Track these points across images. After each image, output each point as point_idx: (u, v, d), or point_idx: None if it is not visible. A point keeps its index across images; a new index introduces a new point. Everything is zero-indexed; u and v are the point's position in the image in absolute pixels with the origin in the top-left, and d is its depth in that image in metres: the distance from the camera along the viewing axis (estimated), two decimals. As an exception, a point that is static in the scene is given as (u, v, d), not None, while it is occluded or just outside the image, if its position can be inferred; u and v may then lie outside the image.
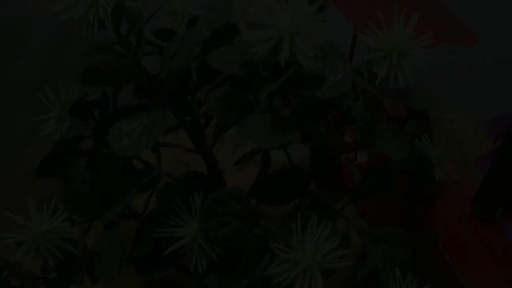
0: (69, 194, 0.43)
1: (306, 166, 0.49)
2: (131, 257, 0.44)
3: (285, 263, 0.36)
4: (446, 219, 0.58)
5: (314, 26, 0.36)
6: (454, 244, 0.55)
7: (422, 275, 0.45)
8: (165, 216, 0.42)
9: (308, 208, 0.39)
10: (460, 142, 0.87)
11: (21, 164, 0.64)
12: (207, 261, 0.42)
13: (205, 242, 0.40)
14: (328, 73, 0.40)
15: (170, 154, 0.87)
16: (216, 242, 0.39)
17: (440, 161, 0.56)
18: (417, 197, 0.60)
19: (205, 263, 0.42)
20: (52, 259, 0.40)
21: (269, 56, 0.36)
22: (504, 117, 0.57)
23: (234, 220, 0.40)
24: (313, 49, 0.36)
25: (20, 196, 0.42)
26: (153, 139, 0.37)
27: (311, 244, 0.36)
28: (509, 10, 0.80)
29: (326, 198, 0.41)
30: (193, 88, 0.46)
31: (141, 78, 0.41)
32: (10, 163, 0.64)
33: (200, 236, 0.40)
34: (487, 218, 0.57)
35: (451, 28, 0.55)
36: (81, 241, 0.42)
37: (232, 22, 0.43)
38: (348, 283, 0.46)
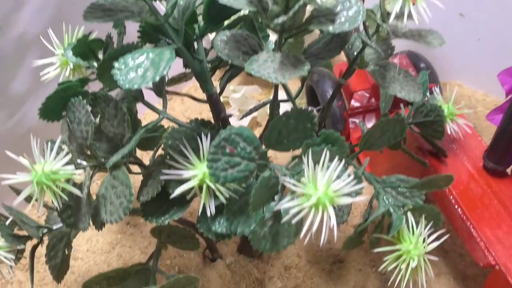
0: (73, 136, 0.42)
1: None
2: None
3: (297, 198, 0.35)
4: (457, 174, 0.57)
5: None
6: (466, 198, 0.54)
7: (435, 220, 0.44)
8: (173, 159, 0.41)
9: (319, 144, 0.38)
10: (470, 106, 0.85)
11: (24, 122, 0.64)
12: (215, 205, 0.41)
13: (214, 182, 0.39)
14: (340, 8, 0.39)
15: (177, 108, 0.87)
16: (224, 183, 0.38)
17: (451, 113, 0.55)
18: (429, 153, 0.59)
19: (214, 207, 0.41)
20: (56, 201, 0.39)
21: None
22: (517, 68, 0.55)
23: (243, 161, 0.39)
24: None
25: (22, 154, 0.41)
26: (160, 73, 0.36)
27: (323, 179, 0.35)
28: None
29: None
30: (200, 33, 0.45)
31: (148, 15, 0.39)
32: (13, 121, 0.63)
33: (209, 175, 0.39)
34: (499, 172, 0.56)
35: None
36: (86, 183, 0.41)
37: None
38: (359, 230, 0.45)
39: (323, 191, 0.34)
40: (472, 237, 0.52)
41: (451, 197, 0.54)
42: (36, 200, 0.39)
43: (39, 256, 0.64)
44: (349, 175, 0.36)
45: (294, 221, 0.35)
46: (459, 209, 0.54)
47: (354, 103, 0.75)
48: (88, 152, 0.43)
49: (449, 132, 0.55)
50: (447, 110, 0.55)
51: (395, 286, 0.42)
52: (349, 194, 0.36)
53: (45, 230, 0.48)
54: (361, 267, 0.65)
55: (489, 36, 0.83)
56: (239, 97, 0.78)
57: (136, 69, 0.37)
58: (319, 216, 0.34)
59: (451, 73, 0.89)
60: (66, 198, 0.39)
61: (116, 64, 0.37)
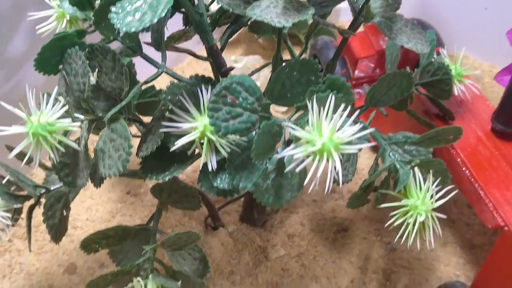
0: (71, 90, 0.41)
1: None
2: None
3: (301, 145, 0.34)
4: (465, 137, 0.55)
5: None
6: (474, 160, 0.53)
7: (443, 177, 0.43)
8: (173, 113, 0.40)
9: (324, 91, 0.37)
10: (477, 78, 0.84)
11: (21, 87, 0.62)
12: (217, 160, 0.40)
13: (215, 133, 0.38)
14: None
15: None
16: (226, 134, 0.37)
17: (458, 74, 0.54)
18: (436, 116, 0.57)
19: (215, 161, 0.40)
20: (53, 153, 0.38)
21: None
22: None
23: (245, 112, 0.37)
24: None
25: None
26: (158, 15, 0.35)
27: (328, 125, 0.33)
28: None
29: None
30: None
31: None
32: (10, 85, 0.61)
33: (210, 125, 0.37)
34: (507, 134, 0.54)
35: None
36: (83, 136, 0.39)
37: None
38: (364, 185, 0.44)
39: (328, 136, 0.33)
40: (480, 199, 0.50)
41: (459, 159, 0.53)
42: (32, 160, 0.38)
43: (37, 225, 0.63)
44: (354, 123, 0.34)
45: (298, 169, 0.34)
46: (467, 171, 0.52)
47: (359, 74, 0.73)
48: (86, 106, 0.42)
49: (456, 93, 0.53)
50: (455, 70, 0.53)
51: (401, 243, 0.41)
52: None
53: (42, 190, 0.46)
54: (366, 236, 0.64)
55: (496, 5, 0.81)
56: (240, 67, 0.77)
57: (134, 13, 0.36)
58: (323, 163, 0.33)
59: (458, 45, 0.87)
60: (63, 150, 0.38)
61: (113, 9, 0.36)
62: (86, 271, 0.59)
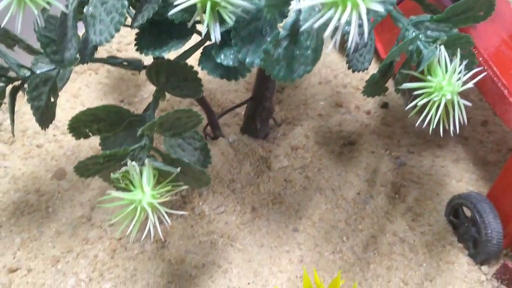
0: None
1: None
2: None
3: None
4: (488, 37, 0.51)
5: None
6: (498, 60, 0.49)
7: (470, 59, 0.39)
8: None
9: None
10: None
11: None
12: (221, 31, 0.35)
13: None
14: None
15: None
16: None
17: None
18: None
19: (219, 33, 0.35)
20: (38, 14, 0.33)
21: None
22: None
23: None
24: None
25: None
26: None
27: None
28: None
29: None
30: None
31: None
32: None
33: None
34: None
35: None
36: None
37: None
38: (382, 68, 0.40)
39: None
40: (504, 99, 0.47)
41: (481, 58, 0.49)
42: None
43: (24, 130, 0.59)
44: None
45: (316, 24, 0.29)
46: (490, 70, 0.48)
47: None
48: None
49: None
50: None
51: (424, 126, 0.37)
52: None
53: (28, 73, 0.42)
54: (374, 150, 0.61)
55: None
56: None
57: None
58: (346, 15, 0.29)
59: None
60: (49, 8, 0.33)
61: None
62: (76, 177, 0.55)
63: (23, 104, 0.62)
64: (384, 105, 0.66)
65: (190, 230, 0.52)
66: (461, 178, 0.59)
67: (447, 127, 0.37)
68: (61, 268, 0.49)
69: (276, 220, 0.54)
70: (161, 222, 0.36)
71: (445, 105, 0.37)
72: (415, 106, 0.37)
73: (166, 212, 0.36)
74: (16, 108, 0.62)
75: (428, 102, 0.37)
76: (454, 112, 0.37)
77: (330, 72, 0.70)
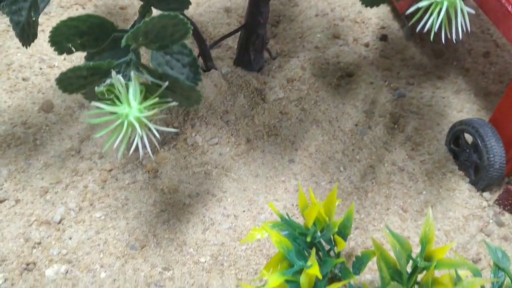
0: None
1: None
2: None
3: None
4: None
5: None
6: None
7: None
8: None
9: None
10: None
11: None
12: None
13: None
14: None
15: None
16: None
17: None
18: None
19: None
20: None
21: None
22: None
23: None
24: None
25: None
26: None
27: None
28: None
29: None
30: None
31: None
32: None
33: None
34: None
35: None
36: None
37: None
38: None
39: None
40: (508, 15, 0.44)
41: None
42: None
43: (9, 63, 0.57)
44: None
45: None
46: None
47: None
48: None
49: None
50: None
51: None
52: None
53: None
54: (373, 81, 0.59)
55: None
56: None
57: None
58: None
59: None
60: None
61: None
62: (64, 110, 0.54)
63: (7, 38, 0.60)
64: (383, 38, 0.64)
65: (183, 161, 0.51)
66: (462, 109, 0.57)
67: (449, 35, 0.36)
68: (49, 198, 0.47)
69: (272, 151, 0.53)
70: (154, 153, 0.34)
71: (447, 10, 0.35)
72: (417, 11, 0.35)
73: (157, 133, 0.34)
74: (0, 43, 0.60)
75: (430, 5, 0.35)
76: (457, 18, 0.35)
77: (327, 5, 0.68)
